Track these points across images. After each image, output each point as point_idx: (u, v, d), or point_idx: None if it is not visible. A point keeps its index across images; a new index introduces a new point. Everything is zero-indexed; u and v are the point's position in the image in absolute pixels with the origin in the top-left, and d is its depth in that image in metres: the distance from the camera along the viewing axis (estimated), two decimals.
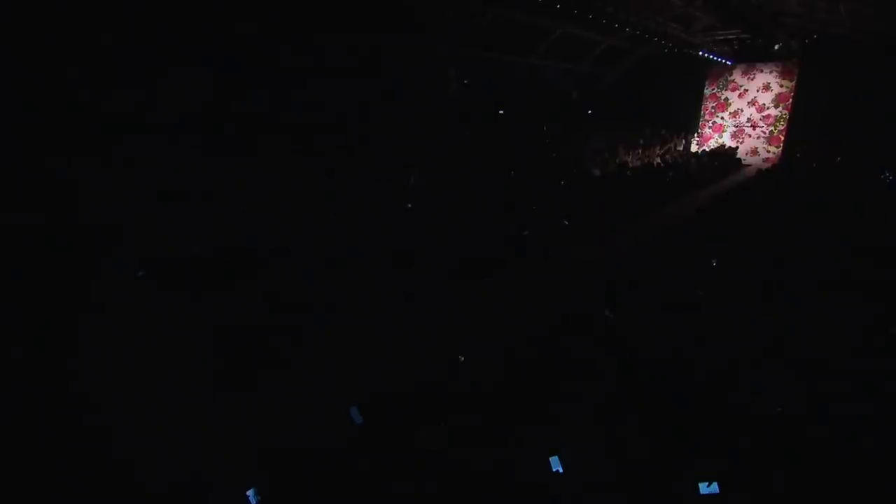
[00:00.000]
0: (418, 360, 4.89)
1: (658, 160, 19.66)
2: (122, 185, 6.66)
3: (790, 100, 19.57)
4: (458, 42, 14.18)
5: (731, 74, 21.04)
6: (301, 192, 8.89)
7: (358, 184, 9.93)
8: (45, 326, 5.28)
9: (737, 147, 20.86)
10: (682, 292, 5.30)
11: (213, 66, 8.07)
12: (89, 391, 4.54)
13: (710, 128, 22.31)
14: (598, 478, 2.78)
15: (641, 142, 19.87)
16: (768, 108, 20.29)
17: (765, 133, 20.63)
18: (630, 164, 17.30)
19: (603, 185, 13.66)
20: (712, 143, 22.04)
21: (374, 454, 3.46)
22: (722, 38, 18.10)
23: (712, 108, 22.04)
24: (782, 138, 20.10)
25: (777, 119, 20.14)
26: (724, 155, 19.73)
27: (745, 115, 21.00)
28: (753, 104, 20.66)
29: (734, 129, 21.45)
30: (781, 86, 19.72)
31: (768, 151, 20.57)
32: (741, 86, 20.86)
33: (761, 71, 20.11)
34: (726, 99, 21.48)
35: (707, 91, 21.97)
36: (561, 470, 2.68)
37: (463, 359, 4.70)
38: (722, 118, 21.78)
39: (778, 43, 18.22)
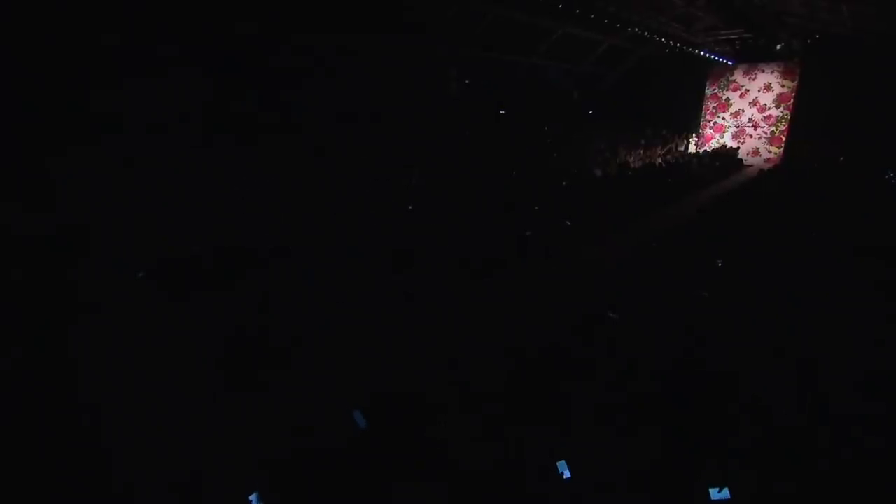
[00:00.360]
0: (419, 362, 4.86)
1: (659, 160, 19.64)
2: (121, 185, 6.62)
3: (792, 100, 19.54)
4: (459, 42, 14.14)
5: (732, 74, 21.01)
6: (301, 193, 8.85)
7: (359, 184, 9.89)
8: (44, 327, 5.26)
9: (738, 147, 20.82)
10: (687, 293, 5.25)
11: (212, 65, 8.03)
12: (89, 392, 4.51)
13: (711, 128, 22.28)
14: (606, 483, 2.74)
15: (643, 142, 19.84)
16: (770, 108, 20.26)
17: (766, 133, 20.59)
18: (631, 165, 17.27)
19: (604, 185, 13.62)
20: (713, 144, 22.01)
21: (376, 456, 3.43)
22: (724, 37, 18.06)
23: (713, 108, 22.01)
24: (784, 139, 20.07)
25: (778, 119, 20.11)
26: (726, 155, 19.70)
27: (746, 116, 20.96)
28: (755, 104, 20.63)
29: (735, 129, 21.42)
30: (783, 86, 19.69)
31: (769, 152, 20.54)
32: (742, 86, 20.82)
33: (763, 71, 20.08)
34: (727, 99, 21.44)
35: (708, 91, 21.94)
36: (569, 475, 2.63)
37: (465, 360, 4.67)
38: (723, 118, 21.74)
39: (780, 43, 18.19)
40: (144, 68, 7.09)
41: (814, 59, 18.14)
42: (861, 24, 13.99)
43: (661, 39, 15.81)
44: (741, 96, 20.96)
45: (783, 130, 20.07)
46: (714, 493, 2.42)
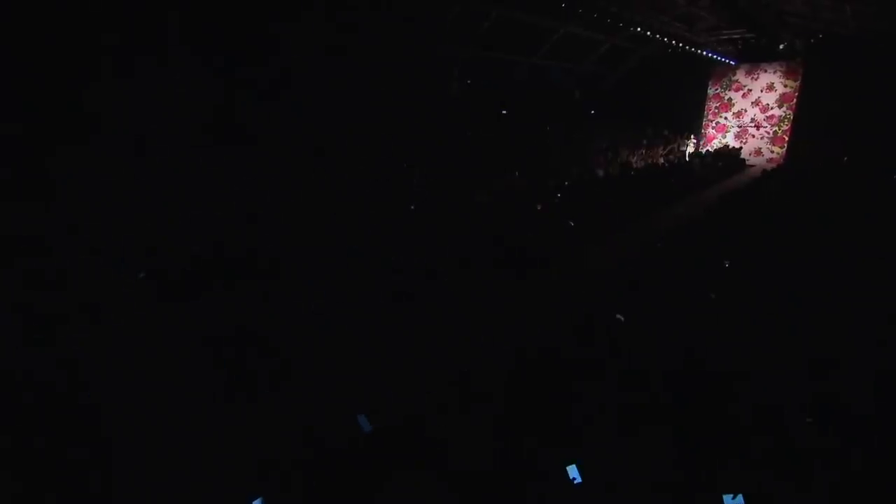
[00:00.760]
0: (420, 362, 4.81)
1: (661, 160, 19.59)
2: (121, 185, 6.58)
3: (794, 100, 19.47)
4: (461, 42, 14.10)
5: (734, 74, 20.96)
6: (301, 193, 8.81)
7: (360, 184, 9.84)
8: (45, 326, 5.23)
9: (740, 147, 20.76)
10: (695, 294, 5.19)
11: (213, 65, 7.99)
12: (89, 392, 4.48)
13: (713, 128, 22.22)
14: (617, 489, 2.68)
15: (644, 142, 19.79)
16: (772, 108, 20.20)
17: (768, 133, 20.53)
18: (633, 165, 17.22)
19: (607, 185, 13.57)
20: (716, 144, 21.95)
21: (378, 457, 3.38)
22: (726, 37, 18.00)
23: (716, 108, 21.96)
24: (786, 139, 20.01)
25: (781, 119, 20.05)
26: (728, 155, 19.64)
27: (748, 116, 20.90)
28: (757, 104, 20.57)
29: (738, 129, 21.35)
30: (785, 86, 19.63)
31: (772, 152, 20.48)
32: (745, 86, 20.77)
33: (765, 71, 20.02)
34: (730, 99, 21.38)
35: (710, 91, 21.89)
36: (579, 479, 2.56)
37: (468, 361, 4.62)
38: (725, 118, 21.68)
39: (783, 43, 18.12)
40: (144, 68, 7.05)
41: (816, 58, 18.07)
42: (864, 23, 13.93)
43: (662, 39, 15.76)
44: (743, 96, 20.90)
45: (786, 130, 20.00)
46: (728, 500, 2.36)
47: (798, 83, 19.23)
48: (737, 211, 9.91)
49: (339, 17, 10.06)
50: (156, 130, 6.90)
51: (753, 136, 20.94)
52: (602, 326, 4.70)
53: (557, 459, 2.98)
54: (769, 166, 18.93)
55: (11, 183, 5.72)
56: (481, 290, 6.65)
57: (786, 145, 20.03)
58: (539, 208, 10.32)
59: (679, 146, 21.51)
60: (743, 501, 2.36)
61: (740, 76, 20.83)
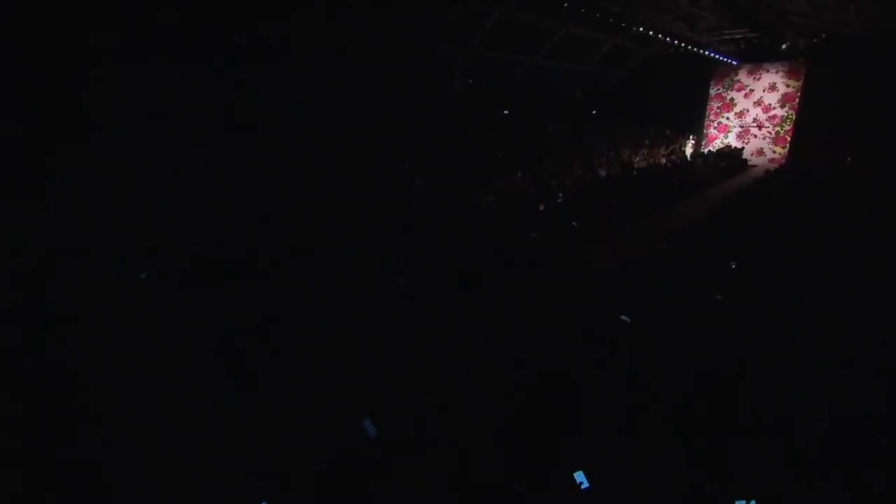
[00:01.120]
0: (423, 364, 4.76)
1: (663, 160, 19.53)
2: (121, 185, 6.54)
3: (797, 100, 19.40)
4: (462, 42, 14.05)
5: (736, 74, 20.89)
6: (302, 193, 8.77)
7: (361, 184, 9.79)
8: (45, 327, 5.20)
9: (742, 147, 20.69)
10: (700, 295, 5.12)
11: (213, 65, 7.95)
12: (90, 392, 4.45)
13: (715, 128, 22.15)
14: (626, 496, 2.62)
15: (646, 142, 19.73)
16: (774, 108, 20.12)
17: (770, 133, 20.46)
18: (635, 165, 17.17)
19: (609, 185, 13.51)
20: (717, 144, 21.88)
21: (382, 458, 3.34)
22: (728, 37, 17.93)
23: (717, 108, 21.88)
24: (788, 139, 19.93)
25: (783, 119, 19.97)
26: (731, 155, 19.57)
27: (750, 116, 20.82)
28: (759, 104, 20.49)
29: (740, 129, 21.28)
30: (788, 86, 19.56)
31: (774, 152, 20.41)
32: (747, 86, 20.70)
33: (767, 71, 19.95)
34: (732, 99, 21.31)
35: (712, 91, 21.82)
36: (587, 485, 2.50)
37: (470, 364, 4.57)
38: (727, 118, 21.60)
39: (785, 42, 18.04)
40: (144, 68, 7.00)
41: (819, 58, 18.00)
42: (867, 22, 13.85)
43: (665, 39, 15.70)
44: (745, 96, 20.83)
45: (788, 130, 19.93)
46: None
47: (800, 83, 19.16)
48: (741, 211, 9.83)
49: (339, 17, 10.01)
50: (156, 130, 6.86)
51: (755, 137, 20.86)
52: (607, 328, 4.65)
53: (564, 464, 2.93)
54: (771, 166, 18.86)
55: (11, 183, 5.68)
56: (483, 291, 6.60)
57: (788, 145, 19.96)
58: (541, 208, 10.27)
59: (681, 146, 21.43)
60: None
61: (742, 76, 20.76)
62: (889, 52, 15.43)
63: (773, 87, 20.01)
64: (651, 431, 3.16)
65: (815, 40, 17.60)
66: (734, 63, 20.09)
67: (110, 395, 4.64)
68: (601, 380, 3.82)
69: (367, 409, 4.02)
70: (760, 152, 20.69)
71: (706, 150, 21.40)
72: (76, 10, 5.82)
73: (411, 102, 12.85)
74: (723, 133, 21.88)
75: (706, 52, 18.14)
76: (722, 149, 20.91)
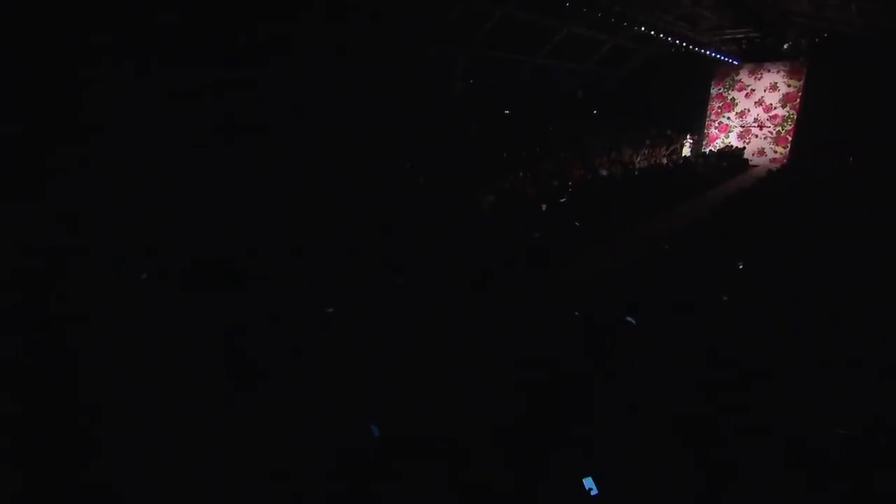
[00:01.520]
0: (424, 366, 4.73)
1: (664, 160, 19.50)
2: (121, 185, 6.50)
3: (798, 100, 19.37)
4: (464, 42, 14.01)
5: (737, 74, 20.85)
6: (304, 194, 8.73)
7: (361, 184, 9.76)
8: (45, 327, 5.18)
9: (743, 147, 20.66)
10: (705, 296, 5.08)
11: (213, 65, 7.91)
12: (90, 393, 4.43)
13: (716, 128, 22.12)
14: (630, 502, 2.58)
15: (647, 142, 19.70)
16: (776, 108, 20.09)
17: (772, 133, 20.42)
18: (637, 165, 17.14)
19: (611, 185, 13.47)
20: (718, 144, 21.85)
21: (386, 460, 3.31)
22: (729, 37, 17.89)
23: (718, 107, 21.85)
24: (789, 139, 19.90)
25: (784, 119, 19.94)
26: (732, 155, 19.53)
27: (751, 115, 20.79)
28: (760, 104, 20.46)
29: (741, 129, 21.25)
30: (789, 85, 19.53)
31: (775, 152, 20.38)
32: (748, 85, 20.66)
33: (768, 70, 19.92)
34: (733, 99, 21.27)
35: (713, 91, 21.78)
36: (596, 491, 2.46)
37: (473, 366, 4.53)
38: (728, 118, 21.57)
39: (787, 42, 18.00)
40: (144, 68, 6.97)
41: (820, 58, 17.96)
42: (869, 21, 13.81)
43: (666, 39, 15.66)
44: (747, 96, 20.80)
45: (789, 130, 19.90)
46: None
47: (801, 83, 19.13)
48: (744, 212, 9.79)
49: (340, 17, 9.97)
50: (156, 130, 6.83)
51: (756, 136, 20.83)
52: (611, 328, 4.61)
53: (570, 468, 2.89)
54: (772, 166, 18.83)
55: (11, 183, 5.65)
56: (484, 290, 6.57)
57: (789, 145, 19.93)
58: (543, 208, 10.23)
59: (682, 146, 21.39)
60: None
61: (743, 76, 20.72)
62: (890, 52, 15.39)
63: (774, 87, 19.98)
64: (656, 435, 3.12)
65: (816, 40, 17.56)
66: (735, 63, 20.05)
67: (110, 395, 4.61)
68: (604, 381, 3.79)
69: (370, 410, 4.00)
70: (761, 152, 20.66)
71: (707, 150, 21.35)
72: (76, 10, 5.78)
73: (412, 102, 12.81)
74: (724, 133, 21.84)
75: (707, 52, 18.10)
76: (723, 149, 20.87)
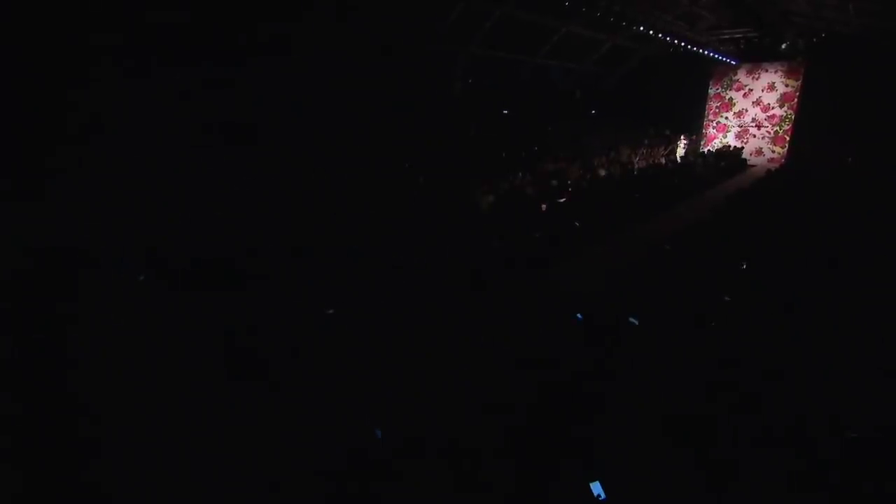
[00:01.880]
0: (425, 367, 4.72)
1: (663, 160, 19.53)
2: (121, 185, 6.47)
3: (795, 99, 19.41)
4: (463, 41, 13.99)
5: (735, 74, 20.88)
6: (302, 193, 8.71)
7: (361, 184, 9.73)
8: (45, 328, 5.16)
9: (742, 147, 20.71)
10: (708, 297, 5.08)
11: (213, 65, 7.88)
12: (89, 395, 4.41)
13: (714, 128, 22.16)
14: None
15: (646, 142, 19.72)
16: (773, 107, 20.13)
17: (769, 133, 20.47)
18: (636, 165, 17.15)
19: (610, 185, 13.48)
20: (716, 143, 21.89)
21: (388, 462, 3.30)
22: (728, 37, 17.93)
23: (716, 107, 21.88)
24: (787, 138, 19.95)
25: (782, 119, 19.99)
26: (731, 155, 19.57)
27: (749, 115, 20.84)
28: (758, 104, 20.49)
29: (738, 129, 21.29)
30: (787, 85, 19.57)
31: (773, 151, 20.42)
32: (746, 85, 20.69)
33: (766, 70, 19.95)
34: (731, 99, 21.31)
35: (711, 91, 21.81)
36: (604, 496, 2.46)
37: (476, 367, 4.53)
38: (726, 118, 21.61)
39: (785, 42, 18.04)
40: (144, 68, 6.93)
41: (818, 58, 18.00)
42: (867, 21, 13.85)
43: (664, 38, 15.67)
44: (744, 96, 20.83)
45: (787, 130, 19.95)
46: None
47: (799, 83, 19.17)
48: (745, 212, 9.79)
49: (340, 17, 9.94)
50: (156, 130, 6.80)
51: (754, 136, 20.87)
52: (613, 329, 4.60)
53: (573, 469, 2.88)
54: (770, 166, 18.88)
55: (11, 183, 5.61)
56: (485, 291, 6.56)
57: (787, 145, 19.97)
58: (543, 208, 10.24)
59: (674, 147, 21.40)
60: None
61: (741, 76, 20.75)
62: (888, 52, 15.43)
63: (771, 87, 20.02)
64: (657, 436, 3.11)
65: (814, 40, 17.60)
66: (733, 63, 20.08)
67: (110, 396, 4.60)
68: (606, 381, 3.78)
69: (371, 411, 3.99)
70: (759, 152, 20.71)
71: (706, 150, 21.39)
72: (76, 10, 5.75)
73: (412, 102, 12.79)
74: (721, 133, 21.88)
75: (705, 52, 18.11)
76: (721, 148, 20.90)
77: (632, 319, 4.49)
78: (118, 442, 3.95)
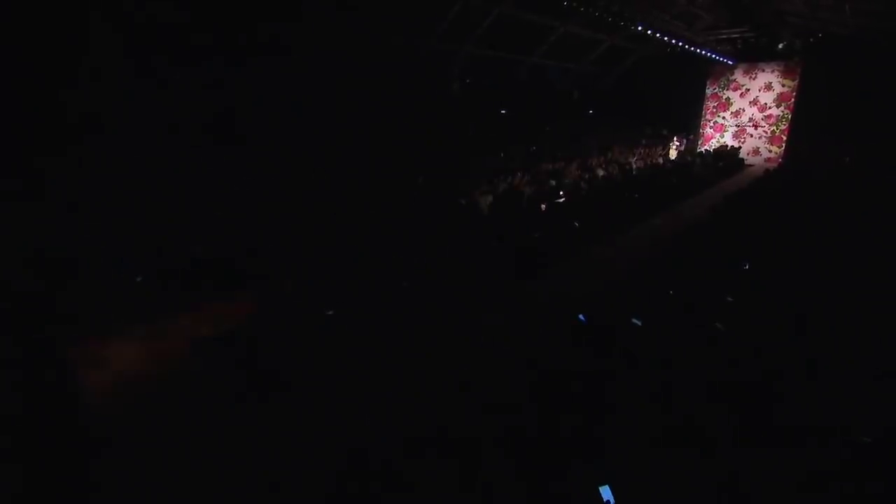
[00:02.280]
0: (421, 365, 4.72)
1: (660, 160, 19.57)
2: (120, 185, 6.43)
3: (792, 99, 19.50)
4: (461, 41, 13.97)
5: (732, 74, 20.95)
6: (302, 194, 8.68)
7: (360, 184, 9.71)
8: (44, 329, 5.13)
9: (739, 147, 20.78)
10: (712, 298, 5.08)
11: (214, 65, 7.84)
12: (89, 395, 4.38)
13: (711, 127, 22.23)
14: None
15: (643, 142, 19.75)
16: (770, 107, 20.22)
17: (766, 133, 20.55)
18: (633, 164, 17.18)
19: (609, 185, 13.49)
20: (713, 143, 21.96)
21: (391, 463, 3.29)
22: (725, 37, 17.99)
23: (713, 107, 21.95)
24: (784, 138, 20.04)
25: (779, 119, 20.07)
26: (728, 155, 19.63)
27: (746, 115, 20.92)
28: (755, 104, 20.58)
29: (735, 128, 21.37)
30: (783, 85, 19.65)
31: (770, 151, 20.51)
32: (743, 85, 20.77)
33: (763, 70, 20.03)
34: (728, 98, 21.38)
35: (708, 90, 21.87)
36: (612, 501, 2.45)
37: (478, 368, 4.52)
38: (723, 118, 21.68)
39: (781, 42, 18.11)
40: (144, 68, 6.89)
41: (814, 58, 18.09)
42: (863, 22, 13.92)
43: (662, 38, 15.70)
44: (741, 95, 20.91)
45: (783, 130, 20.03)
46: None
47: (796, 83, 19.26)
48: (746, 212, 9.80)
49: (339, 17, 9.91)
50: (156, 131, 6.76)
51: (751, 136, 20.96)
52: (615, 329, 4.60)
53: (576, 471, 2.88)
54: (768, 165, 18.96)
55: (11, 183, 5.58)
56: (483, 291, 6.56)
57: (784, 144, 20.06)
58: (543, 208, 10.24)
59: (678, 146, 21.43)
60: None
61: (738, 76, 20.83)
62: (884, 52, 15.52)
63: (768, 87, 20.10)
64: (659, 438, 3.11)
65: (811, 40, 17.68)
66: (730, 63, 20.15)
67: (111, 396, 4.57)
68: (607, 382, 3.77)
69: (372, 412, 3.99)
70: (756, 151, 20.80)
71: (703, 150, 21.45)
72: (76, 10, 5.71)
73: (410, 102, 12.77)
74: (719, 132, 21.96)
75: (702, 52, 18.16)
76: (719, 148, 20.97)
77: (635, 320, 4.48)
78: (118, 442, 3.93)
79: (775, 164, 19.30)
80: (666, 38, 15.31)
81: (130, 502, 3.36)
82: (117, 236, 6.32)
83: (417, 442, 3.47)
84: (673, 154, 21.23)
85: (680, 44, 16.17)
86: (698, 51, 17.54)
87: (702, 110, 22.25)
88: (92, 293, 5.99)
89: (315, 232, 8.22)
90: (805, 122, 19.07)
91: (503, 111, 17.16)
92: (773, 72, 19.81)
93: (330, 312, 5.60)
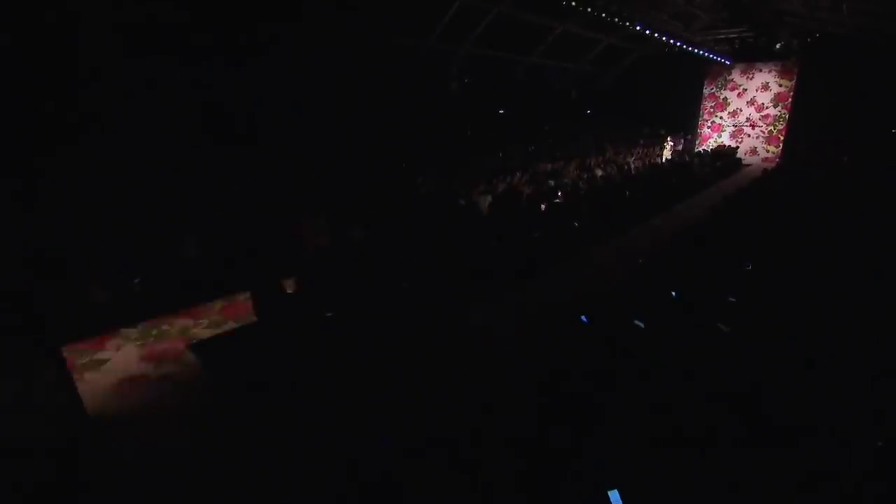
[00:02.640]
0: (426, 369, 4.72)
1: (658, 160, 19.62)
2: (120, 185, 6.42)
3: (789, 99, 19.57)
4: (460, 40, 13.97)
5: (729, 74, 21.01)
6: (301, 193, 8.67)
7: (360, 185, 9.71)
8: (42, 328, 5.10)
9: (737, 147, 20.85)
10: (713, 298, 5.09)
11: (213, 65, 7.82)
12: (88, 395, 4.37)
13: (708, 127, 22.29)
14: None
15: (641, 142, 19.79)
16: (767, 107, 20.29)
17: (764, 133, 20.62)
18: (631, 164, 17.21)
19: (607, 185, 13.51)
20: (711, 143, 22.02)
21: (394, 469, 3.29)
22: (722, 36, 18.04)
23: (711, 107, 22.01)
24: (781, 138, 20.12)
25: (776, 119, 20.14)
26: (726, 155, 19.70)
27: (743, 115, 20.98)
28: (752, 104, 20.64)
29: (733, 128, 21.44)
30: (780, 85, 19.72)
31: (767, 151, 20.60)
32: (740, 85, 20.84)
33: (760, 70, 20.10)
34: (725, 98, 21.44)
35: (706, 90, 21.93)
36: None
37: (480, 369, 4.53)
38: (721, 118, 21.74)
39: (779, 42, 18.17)
40: (143, 68, 6.87)
41: (812, 58, 18.17)
42: (860, 22, 13.97)
43: (660, 38, 15.73)
44: (739, 95, 20.98)
45: (781, 130, 20.11)
46: None
47: (793, 82, 19.33)
48: (746, 212, 9.82)
49: (338, 17, 9.89)
50: (155, 130, 6.75)
51: (749, 136, 21.03)
52: (616, 331, 4.61)
53: (581, 473, 2.88)
54: (765, 165, 19.04)
55: (10, 183, 5.56)
56: (483, 291, 6.57)
57: (781, 144, 20.14)
58: (542, 208, 10.25)
59: (675, 146, 21.46)
60: None
61: (735, 75, 20.89)
62: (880, 52, 15.59)
63: (765, 87, 20.17)
64: (662, 441, 3.11)
65: (808, 40, 17.75)
66: (727, 62, 20.21)
67: (110, 396, 4.56)
68: (608, 383, 3.78)
69: (373, 414, 3.99)
70: (754, 151, 20.88)
71: (701, 150, 21.51)
72: (76, 10, 5.69)
73: (410, 102, 12.76)
74: (716, 132, 22.02)
75: (700, 52, 18.21)
76: (717, 148, 21.04)
77: (637, 322, 4.49)
78: (118, 442, 3.93)
79: (772, 164, 19.37)
80: (664, 38, 15.35)
81: (130, 501, 3.36)
82: (117, 236, 6.31)
83: (417, 442, 3.48)
84: (667, 154, 21.26)
85: (678, 44, 16.22)
86: (696, 51, 17.60)
87: (699, 110, 22.31)
88: (91, 293, 5.98)
89: (314, 232, 8.22)
90: (802, 121, 19.16)
91: (501, 111, 17.18)
92: (770, 72, 19.88)
93: (329, 314, 5.60)
